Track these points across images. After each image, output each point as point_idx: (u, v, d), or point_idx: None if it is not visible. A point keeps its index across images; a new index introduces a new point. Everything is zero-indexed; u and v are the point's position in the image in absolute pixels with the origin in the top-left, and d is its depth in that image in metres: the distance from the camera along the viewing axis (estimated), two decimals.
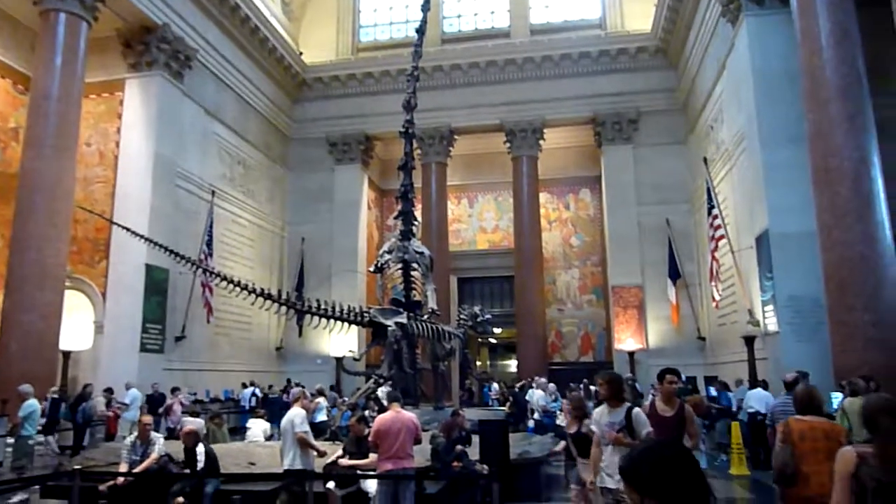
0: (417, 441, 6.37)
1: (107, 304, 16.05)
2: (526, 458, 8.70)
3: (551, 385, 13.85)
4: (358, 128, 23.96)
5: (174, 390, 14.30)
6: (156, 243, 10.84)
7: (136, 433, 7.79)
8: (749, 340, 14.78)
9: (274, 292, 10.89)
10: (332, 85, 24.35)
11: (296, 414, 6.68)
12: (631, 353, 20.92)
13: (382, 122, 22.56)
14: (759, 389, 11.81)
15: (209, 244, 18.03)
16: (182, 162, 17.96)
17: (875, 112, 12.04)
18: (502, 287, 25.09)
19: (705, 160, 17.89)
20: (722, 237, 16.35)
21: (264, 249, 22.52)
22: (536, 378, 14.84)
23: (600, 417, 5.02)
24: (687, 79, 21.21)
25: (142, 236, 11.10)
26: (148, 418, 7.98)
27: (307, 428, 6.65)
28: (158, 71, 17.09)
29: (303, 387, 11.57)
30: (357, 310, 10.77)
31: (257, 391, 17.98)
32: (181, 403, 13.68)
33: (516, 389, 16.37)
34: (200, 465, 7.28)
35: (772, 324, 14.09)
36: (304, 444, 6.57)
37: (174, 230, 16.71)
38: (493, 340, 29.25)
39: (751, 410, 11.38)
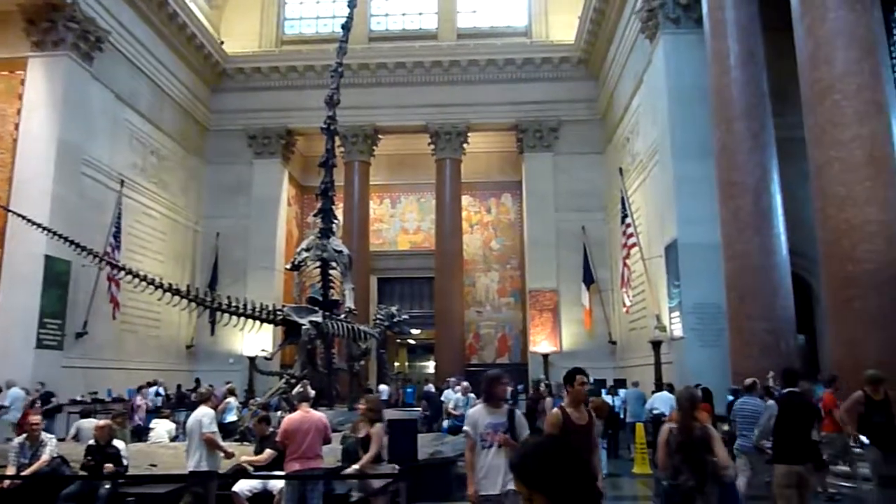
0: (327, 441, 6.28)
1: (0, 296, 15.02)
2: (437, 457, 8.74)
3: (465, 384, 13.98)
4: (279, 122, 23.45)
5: (141, 389, 13.76)
6: (55, 233, 10.23)
7: (25, 434, 7.31)
8: (656, 345, 15.38)
9: (184, 288, 10.51)
10: (253, 77, 23.75)
11: (203, 414, 6.45)
12: (545, 356, 21.40)
13: (305, 117, 22.18)
14: (665, 392, 12.29)
15: (116, 236, 17.17)
16: (89, 149, 17.02)
17: (775, 131, 12.83)
18: (422, 288, 25.11)
19: (621, 170, 18.52)
20: (634, 245, 16.97)
21: (176, 244, 21.67)
22: (451, 379, 14.96)
23: (478, 418, 4.66)
24: (606, 91, 21.91)
25: (40, 225, 10.44)
26: (37, 418, 7.51)
27: (215, 428, 6.44)
28: (65, 51, 16.14)
29: (212, 386, 11.21)
30: (270, 308, 10.54)
31: (161, 390, 17.27)
32: (147, 402, 13.11)
33: (433, 390, 16.45)
34: (125, 461, 6.98)
35: (678, 329, 14.73)
36: (211, 445, 6.36)
37: (78, 220, 15.80)
38: (411, 341, 29.25)
39: (656, 412, 11.82)
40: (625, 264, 17.68)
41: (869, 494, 7.58)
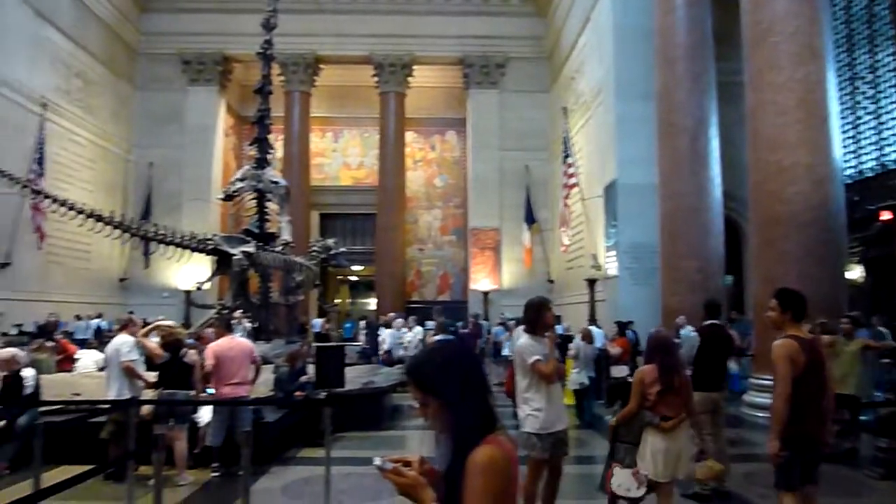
0: (256, 368, 6.20)
1: None
2: (370, 387, 8.81)
3: (399, 321, 14.09)
4: (216, 47, 22.32)
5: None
6: None
7: None
8: (591, 283, 15.74)
9: (117, 219, 10.06)
10: None
11: (123, 342, 6.25)
12: (485, 293, 21.68)
13: (243, 42, 21.05)
14: (594, 327, 12.66)
15: (40, 162, 16.29)
16: (4, 68, 15.87)
17: (717, 75, 12.93)
18: (364, 224, 24.84)
19: (565, 110, 18.47)
20: (574, 185, 17.10)
21: (107, 173, 20.69)
22: (390, 315, 15.05)
23: (534, 349, 4.32)
24: (554, 28, 21.62)
25: None
26: None
27: (135, 356, 6.25)
28: None
29: (132, 313, 10.92)
30: (200, 237, 10.22)
31: (103, 324, 16.77)
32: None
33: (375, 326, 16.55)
34: (29, 389, 6.71)
35: (612, 268, 15.07)
36: (131, 374, 6.19)
37: None
38: (353, 278, 29.15)
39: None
40: (565, 204, 17.85)
41: None
